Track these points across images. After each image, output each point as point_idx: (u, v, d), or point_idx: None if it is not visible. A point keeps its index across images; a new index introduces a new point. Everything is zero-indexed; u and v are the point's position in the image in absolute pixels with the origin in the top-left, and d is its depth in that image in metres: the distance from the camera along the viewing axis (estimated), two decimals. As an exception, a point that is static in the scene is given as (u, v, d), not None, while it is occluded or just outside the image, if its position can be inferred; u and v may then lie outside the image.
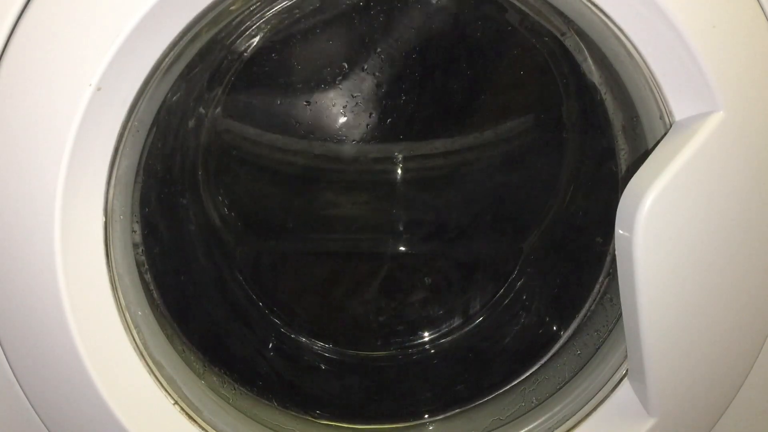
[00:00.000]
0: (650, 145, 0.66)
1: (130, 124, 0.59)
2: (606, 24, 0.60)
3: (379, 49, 0.92)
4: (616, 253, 0.61)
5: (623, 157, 0.77)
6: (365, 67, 0.93)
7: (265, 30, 0.84)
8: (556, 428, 0.72)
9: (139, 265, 0.70)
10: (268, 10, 0.78)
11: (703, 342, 0.63)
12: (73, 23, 0.54)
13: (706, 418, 0.68)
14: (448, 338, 1.00)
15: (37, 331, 0.58)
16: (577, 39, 0.74)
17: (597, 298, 0.82)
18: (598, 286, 0.82)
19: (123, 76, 0.55)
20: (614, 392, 0.69)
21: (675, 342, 0.62)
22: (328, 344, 0.98)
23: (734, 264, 0.61)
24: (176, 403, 0.65)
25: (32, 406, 0.62)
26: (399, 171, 1.00)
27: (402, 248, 1.03)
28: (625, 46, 0.60)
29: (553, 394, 0.77)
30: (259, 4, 0.70)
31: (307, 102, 0.94)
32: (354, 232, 1.04)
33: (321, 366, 0.97)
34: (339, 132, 0.96)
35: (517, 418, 0.78)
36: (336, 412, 0.86)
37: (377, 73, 0.93)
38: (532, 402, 0.79)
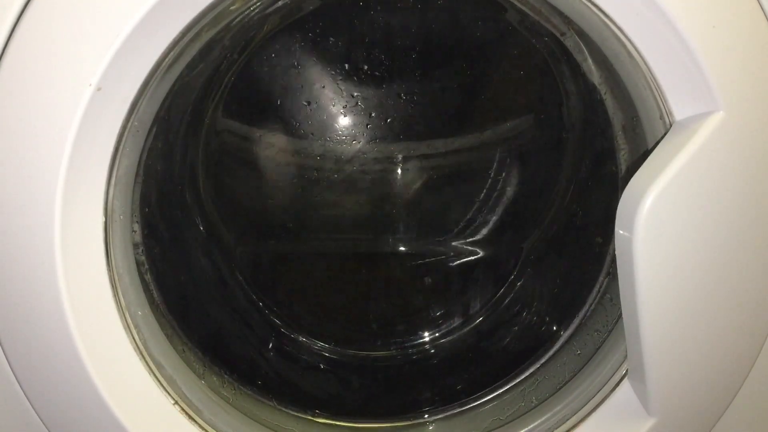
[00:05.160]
0: (650, 145, 0.66)
1: (130, 124, 0.59)
2: (606, 24, 0.60)
3: (379, 49, 0.92)
4: (616, 253, 0.61)
5: (623, 157, 0.77)
6: (365, 67, 0.93)
7: (265, 30, 0.84)
8: (556, 428, 0.72)
9: (139, 265, 0.70)
10: (268, 10, 0.78)
11: (703, 342, 0.63)
12: (73, 23, 0.54)
13: (706, 418, 0.68)
14: (448, 338, 1.00)
15: (37, 331, 0.58)
16: (577, 39, 0.74)
17: (597, 298, 0.82)
18: (598, 286, 0.82)
19: (123, 76, 0.55)
20: (614, 392, 0.69)
21: (675, 342, 0.62)
22: (328, 344, 0.98)
23: (734, 264, 0.61)
24: (176, 403, 0.65)
25: (32, 406, 0.62)
26: (399, 171, 1.00)
27: (402, 248, 1.03)
28: (625, 46, 0.60)
29: (553, 394, 0.77)
30: (259, 4, 0.70)
31: (307, 102, 0.94)
32: (354, 232, 1.04)
33: (320, 366, 0.97)
34: (339, 132, 0.96)
35: (517, 418, 0.78)
36: (335, 411, 0.86)
37: (377, 73, 0.93)
38: (532, 402, 0.79)
